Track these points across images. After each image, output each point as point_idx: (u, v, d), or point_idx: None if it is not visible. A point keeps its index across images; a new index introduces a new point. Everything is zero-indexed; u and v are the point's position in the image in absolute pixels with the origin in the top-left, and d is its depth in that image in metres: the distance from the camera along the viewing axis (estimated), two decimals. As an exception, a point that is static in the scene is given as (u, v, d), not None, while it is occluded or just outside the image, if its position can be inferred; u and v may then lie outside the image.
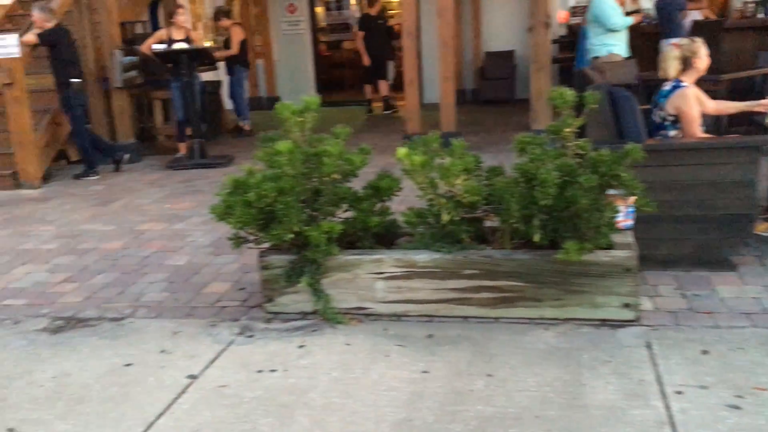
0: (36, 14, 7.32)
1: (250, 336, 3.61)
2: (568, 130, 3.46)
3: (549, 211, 3.33)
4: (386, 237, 3.94)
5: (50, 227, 5.87)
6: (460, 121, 7.85)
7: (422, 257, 3.59)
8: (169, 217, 5.94)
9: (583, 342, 3.28)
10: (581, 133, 3.58)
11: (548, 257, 3.42)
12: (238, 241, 3.82)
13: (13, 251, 5.27)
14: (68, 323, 3.91)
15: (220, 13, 9.97)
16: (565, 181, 3.28)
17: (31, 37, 7.31)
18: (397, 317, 3.66)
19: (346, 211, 3.83)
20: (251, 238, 3.80)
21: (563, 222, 3.35)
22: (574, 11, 11.84)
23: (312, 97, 3.71)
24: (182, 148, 8.31)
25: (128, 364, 3.36)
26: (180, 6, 8.15)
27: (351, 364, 3.21)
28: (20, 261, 5.03)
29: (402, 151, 3.43)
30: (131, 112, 8.60)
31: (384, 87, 11.11)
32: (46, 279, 4.65)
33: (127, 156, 7.98)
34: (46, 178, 7.62)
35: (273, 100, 12.75)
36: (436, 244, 3.62)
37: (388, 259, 3.63)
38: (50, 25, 7.32)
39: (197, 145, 7.97)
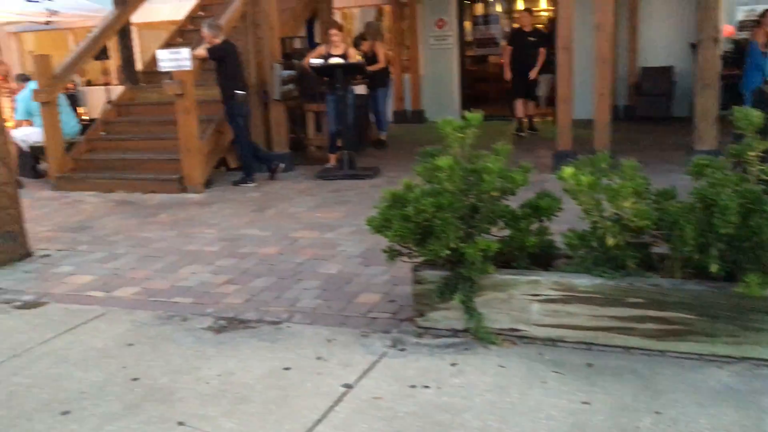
0: (205, 31, 7.84)
1: (402, 349, 3.62)
2: (752, 153, 3.20)
3: (729, 241, 3.09)
4: (542, 258, 3.82)
5: (212, 230, 6.23)
6: (613, 139, 7.53)
7: (582, 281, 3.45)
8: (320, 226, 6.12)
9: (763, 384, 3.01)
10: (765, 157, 3.31)
11: (725, 290, 3.17)
12: (392, 254, 3.85)
13: (179, 252, 5.64)
14: (230, 323, 4.12)
15: (360, 38, 10.19)
16: (749, 208, 3.03)
17: (201, 51, 7.84)
18: (553, 342, 3.53)
19: (502, 229, 3.77)
20: (405, 251, 3.83)
21: (744, 253, 3.10)
22: (741, 25, 11.07)
23: (474, 113, 3.68)
24: (332, 159, 8.57)
25: (287, 368, 3.47)
26: (335, 24, 8.43)
27: (506, 387, 3.13)
28: (186, 261, 5.37)
29: (568, 170, 3.32)
30: (286, 123, 8.98)
31: (530, 106, 10.85)
32: (209, 280, 4.93)
33: (282, 165, 8.35)
34: (208, 183, 8.11)
35: (417, 113, 12.93)
36: (598, 268, 3.46)
37: (546, 281, 3.52)
38: (218, 40, 7.81)
39: (346, 156, 8.19)
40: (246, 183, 8.04)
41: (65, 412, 3.15)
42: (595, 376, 3.18)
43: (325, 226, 6.10)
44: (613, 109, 10.81)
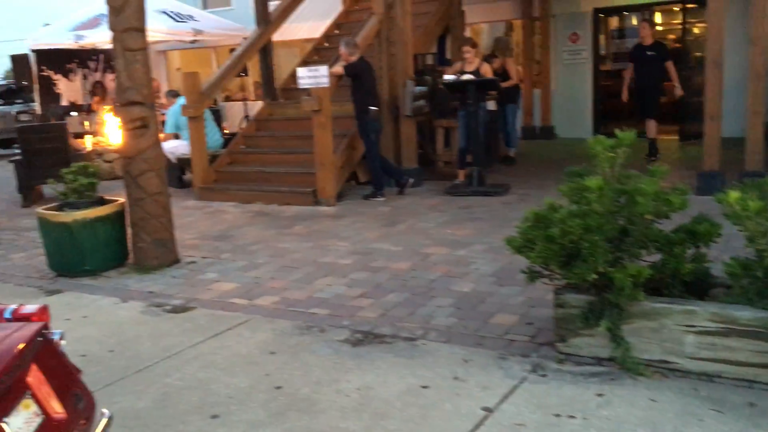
0: (342, 49, 8.05)
1: (543, 375, 3.50)
2: None
3: None
4: (696, 286, 3.59)
5: (345, 243, 6.35)
6: (765, 160, 7.01)
7: (745, 314, 3.20)
8: (451, 243, 6.09)
9: None
10: None
11: None
12: (532, 276, 3.75)
13: (315, 263, 5.79)
14: (366, 337, 4.16)
15: (491, 55, 10.03)
16: None
17: (338, 68, 8.06)
18: (709, 377, 3.30)
19: (653, 254, 3.57)
20: (546, 273, 3.72)
21: None
22: None
23: (627, 132, 3.52)
24: (461, 175, 8.53)
25: (425, 386, 3.45)
26: (469, 41, 8.40)
27: (658, 423, 2.95)
28: (321, 273, 5.50)
29: (734, 194, 3.10)
30: (416, 138, 9.04)
31: (651, 128, 9.55)
32: (344, 292, 5.01)
33: (411, 180, 8.40)
34: (339, 196, 8.29)
35: (547, 129, 12.64)
36: (763, 300, 3.20)
37: (702, 312, 3.30)
38: (354, 58, 8.00)
39: (476, 172, 8.12)
40: (376, 197, 8.15)
41: (215, 416, 3.29)
42: (759, 418, 2.94)
43: (456, 243, 6.06)
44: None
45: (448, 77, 8.14)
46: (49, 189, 9.46)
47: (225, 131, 11.12)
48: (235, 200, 8.59)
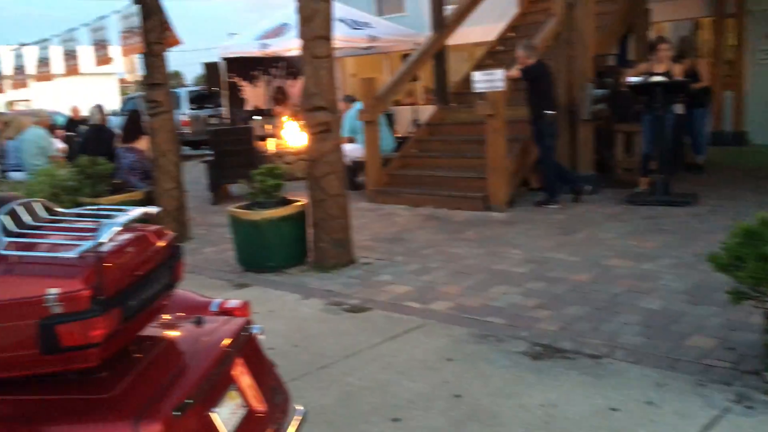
0: (520, 51, 7.87)
1: (749, 407, 3.17)
2: None
3: None
4: None
5: (518, 251, 6.19)
6: None
7: None
8: (635, 255, 5.73)
9: None
10: None
11: None
12: (738, 296, 3.43)
13: (488, 270, 5.69)
14: (546, 351, 4.00)
15: (679, 56, 9.34)
16: None
17: (514, 72, 7.90)
18: None
19: None
20: (754, 294, 3.37)
21: None
22: None
23: None
24: (643, 183, 8.03)
25: (614, 409, 3.24)
26: (664, 40, 7.87)
27: None
28: (496, 281, 5.39)
29: None
30: (593, 144, 8.65)
31: None
32: (520, 302, 4.87)
33: (588, 188, 8.05)
34: (511, 202, 8.12)
35: (739, 135, 11.61)
36: None
37: None
38: (531, 61, 7.80)
39: (661, 180, 7.60)
40: (549, 204, 7.89)
41: (396, 419, 3.30)
42: None
43: (640, 256, 5.70)
44: None
45: (633, 79, 7.69)
46: (236, 188, 10.17)
47: (397, 135, 11.31)
48: (406, 203, 8.70)
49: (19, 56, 8.70)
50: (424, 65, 10.72)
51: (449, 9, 10.43)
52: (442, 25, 10.12)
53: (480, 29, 11.96)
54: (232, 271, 6.24)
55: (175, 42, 7.43)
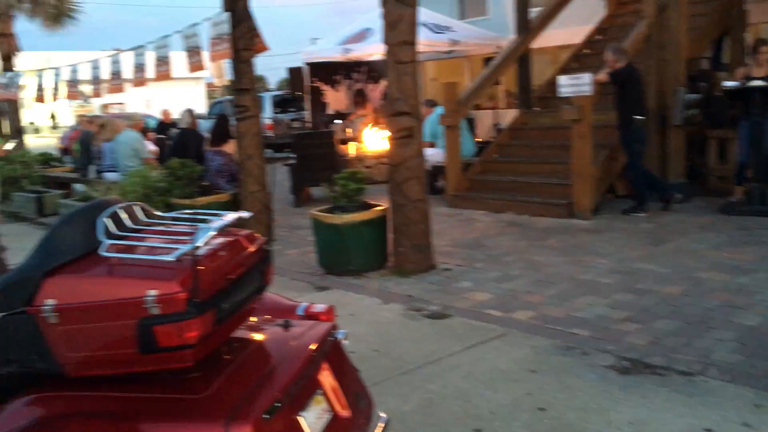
0: (609, 55, 7.65)
1: None
2: None
3: None
4: None
5: (604, 260, 6.01)
6: None
7: None
8: (729, 268, 5.46)
9: None
10: None
11: None
12: None
13: (572, 280, 5.55)
14: (634, 366, 3.86)
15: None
16: None
17: (602, 76, 7.68)
18: None
19: None
20: None
21: None
22: None
23: None
24: (738, 192, 7.65)
25: (708, 430, 3.10)
26: (765, 43, 7.48)
27: None
28: (580, 291, 5.25)
29: None
30: (684, 150, 8.31)
31: None
32: (607, 314, 4.73)
33: (679, 196, 7.75)
34: (596, 210, 7.90)
35: None
36: None
37: None
38: (621, 64, 7.56)
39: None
40: (637, 212, 7.63)
41: (477, 430, 3.26)
42: None
43: (735, 269, 5.43)
44: None
45: (730, 83, 7.35)
46: (318, 191, 10.32)
47: (478, 140, 11.22)
48: (487, 209, 8.60)
49: (115, 62, 9.12)
50: (508, 69, 10.58)
51: (534, 12, 10.26)
52: (527, 28, 9.97)
53: (565, 32, 11.71)
54: (313, 274, 6.33)
55: (263, 48, 7.61)
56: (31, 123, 42.71)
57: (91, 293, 2.00)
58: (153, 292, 1.96)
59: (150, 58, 8.44)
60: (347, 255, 6.10)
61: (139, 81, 8.57)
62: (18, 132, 14.00)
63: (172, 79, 8.21)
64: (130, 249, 2.13)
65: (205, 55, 7.56)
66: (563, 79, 7.73)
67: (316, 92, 14.96)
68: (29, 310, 2.03)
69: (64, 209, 9.53)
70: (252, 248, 2.39)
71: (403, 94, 5.91)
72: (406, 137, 5.97)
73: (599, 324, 4.54)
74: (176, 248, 2.05)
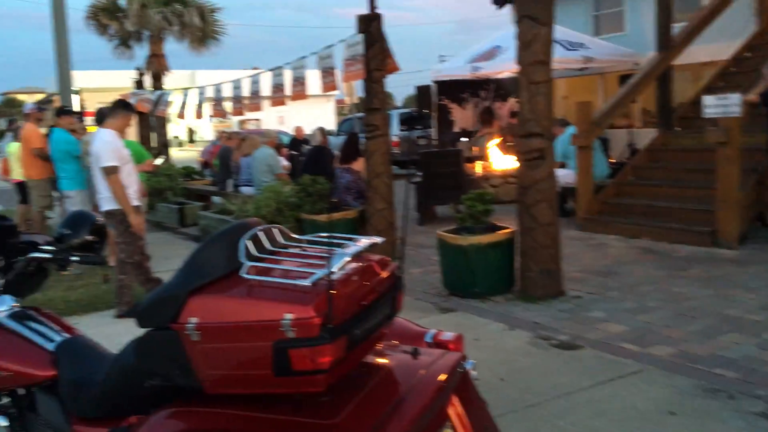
0: (766, 72, 7.12)
1: None
2: None
3: None
4: None
5: (753, 295, 5.55)
6: None
7: None
8: None
9: None
10: None
11: None
12: None
13: (717, 315, 5.16)
14: (791, 416, 3.50)
15: None
16: None
17: (753, 96, 7.16)
18: None
19: None
20: None
21: None
22: None
23: None
24: None
25: None
26: None
27: None
28: (726, 327, 4.87)
29: None
30: None
31: None
32: (757, 354, 4.34)
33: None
34: (743, 239, 7.34)
35: None
36: None
37: None
38: (774, 83, 7.02)
39: None
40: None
41: (611, 474, 3.06)
42: None
43: None
44: None
45: None
46: (443, 209, 10.30)
47: (611, 161, 10.78)
48: (620, 234, 8.21)
49: (255, 82, 9.56)
50: (647, 87, 10.10)
51: (677, 27, 9.74)
52: (669, 45, 9.48)
53: (710, 48, 11.05)
54: (437, 294, 6.28)
55: (394, 69, 7.70)
56: (176, 137, 45.87)
57: (232, 313, 2.06)
58: (289, 316, 1.98)
59: (287, 78, 8.76)
60: (473, 277, 6.00)
61: (278, 100, 8.92)
62: (164, 146, 14.99)
63: (306, 98, 8.47)
64: (268, 271, 2.17)
65: (339, 75, 7.75)
66: (709, 99, 7.26)
67: (443, 110, 15.01)
68: (174, 327, 2.12)
69: (203, 220, 10.08)
70: (384, 274, 2.38)
71: (536, 115, 5.76)
72: (537, 159, 5.81)
73: (748, 365, 4.18)
74: (312, 272, 2.06)
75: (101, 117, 6.27)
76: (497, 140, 13.25)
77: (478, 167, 11.87)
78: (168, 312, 2.14)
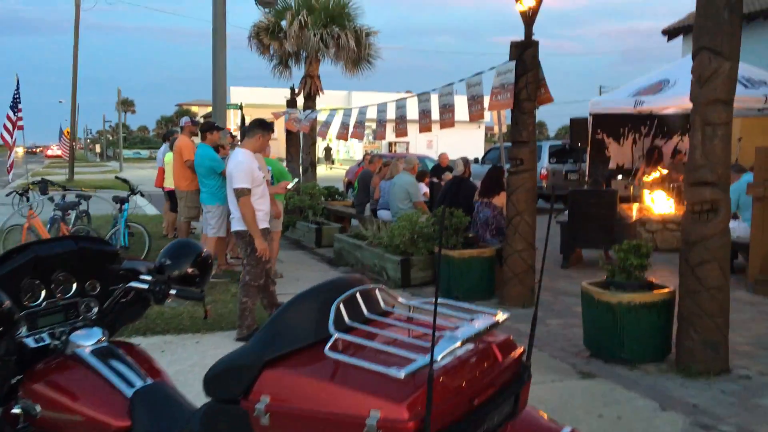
0: None
1: None
2: None
3: None
4: None
5: None
6: None
7: None
8: None
9: None
10: None
11: None
12: None
13: None
14: None
15: None
16: None
17: None
18: None
19: None
20: None
21: None
22: None
23: None
24: None
25: None
26: None
27: None
28: None
29: None
30: None
31: None
32: None
33: None
34: None
35: None
36: None
37: None
38: None
39: None
40: None
41: None
42: None
43: None
44: None
45: None
46: (590, 252, 9.48)
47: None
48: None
49: (400, 107, 9.31)
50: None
51: None
52: None
53: None
54: (577, 354, 5.60)
55: (548, 100, 7.13)
56: (327, 153, 47.29)
57: (308, 399, 1.67)
58: (376, 414, 1.56)
59: (434, 104, 8.42)
60: (620, 340, 5.27)
61: (425, 127, 8.60)
62: (312, 166, 15.19)
63: (453, 125, 8.08)
64: (358, 350, 1.76)
65: (487, 103, 7.29)
66: None
67: (598, 144, 14.09)
68: (243, 404, 1.76)
69: (337, 243, 9.94)
70: (507, 361, 1.89)
71: (710, 161, 4.98)
72: (708, 211, 5.02)
73: None
74: (411, 359, 1.63)
75: (242, 136, 6.24)
76: (658, 182, 12.17)
77: (633, 209, 10.89)
78: (239, 384, 1.79)
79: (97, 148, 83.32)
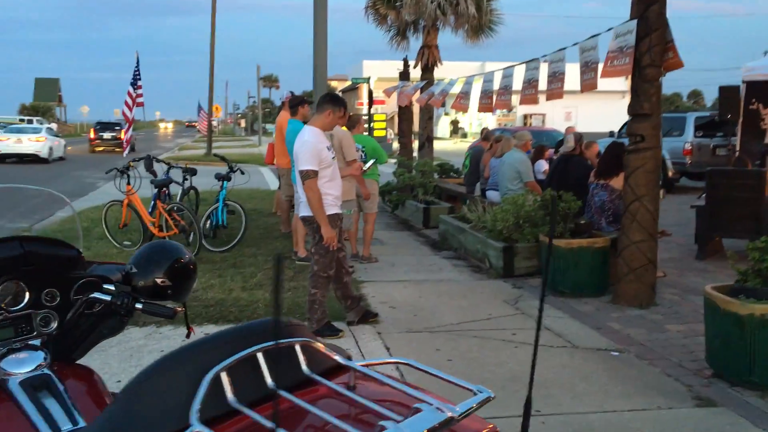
0: None
1: None
2: None
3: None
4: None
5: None
6: None
7: None
8: None
9: None
10: None
11: None
12: None
13: None
14: None
15: None
16: None
17: None
18: None
19: None
20: None
21: None
22: None
23: None
24: None
25: None
26: None
27: None
28: None
29: None
30: None
31: None
32: None
33: None
34: None
35: None
36: None
37: None
38: None
39: None
40: None
41: None
42: None
43: None
44: None
45: None
46: (731, 242, 8.19)
47: None
48: None
49: (507, 76, 8.41)
50: None
51: None
52: None
53: None
54: (696, 372, 4.63)
55: (676, 65, 6.05)
56: (455, 126, 46.27)
57: None
58: None
59: (542, 73, 7.47)
60: (749, 360, 4.26)
61: (528, 98, 7.66)
62: (428, 141, 14.56)
63: (561, 97, 7.11)
64: None
65: (600, 71, 6.29)
66: None
67: (752, 116, 12.36)
68: None
69: (442, 224, 9.29)
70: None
71: None
72: None
73: None
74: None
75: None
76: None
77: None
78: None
79: (242, 123, 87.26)
